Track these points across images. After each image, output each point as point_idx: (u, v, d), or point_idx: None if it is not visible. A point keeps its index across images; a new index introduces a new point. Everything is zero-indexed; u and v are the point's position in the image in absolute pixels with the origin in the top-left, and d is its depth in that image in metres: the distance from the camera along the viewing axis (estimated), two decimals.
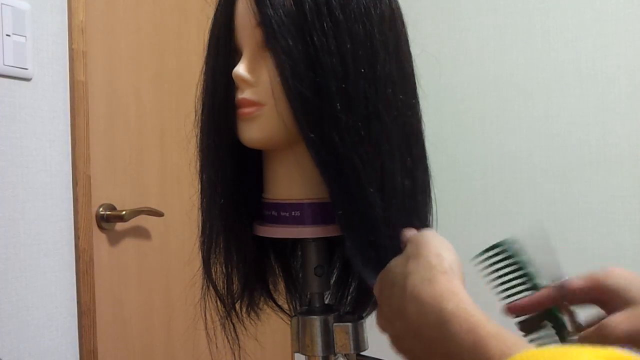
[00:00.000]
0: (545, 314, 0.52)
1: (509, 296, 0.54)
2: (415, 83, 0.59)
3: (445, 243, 0.47)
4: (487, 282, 0.54)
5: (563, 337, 0.52)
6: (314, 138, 0.52)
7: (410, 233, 0.51)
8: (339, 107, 0.52)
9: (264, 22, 0.52)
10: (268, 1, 0.52)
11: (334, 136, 0.52)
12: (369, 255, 0.53)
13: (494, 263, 0.55)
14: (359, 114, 0.52)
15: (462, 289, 0.41)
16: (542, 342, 0.52)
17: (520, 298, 0.53)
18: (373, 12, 0.54)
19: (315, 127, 0.52)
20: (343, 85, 0.52)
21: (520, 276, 0.54)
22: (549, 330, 0.52)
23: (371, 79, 0.53)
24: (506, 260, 0.54)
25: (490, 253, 0.55)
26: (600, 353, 0.29)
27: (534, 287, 0.53)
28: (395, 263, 0.47)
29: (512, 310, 0.53)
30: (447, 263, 0.44)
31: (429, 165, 0.60)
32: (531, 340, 0.52)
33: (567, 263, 0.54)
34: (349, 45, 0.52)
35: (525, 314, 0.53)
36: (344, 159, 0.52)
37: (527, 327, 0.53)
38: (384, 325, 0.46)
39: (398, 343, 0.44)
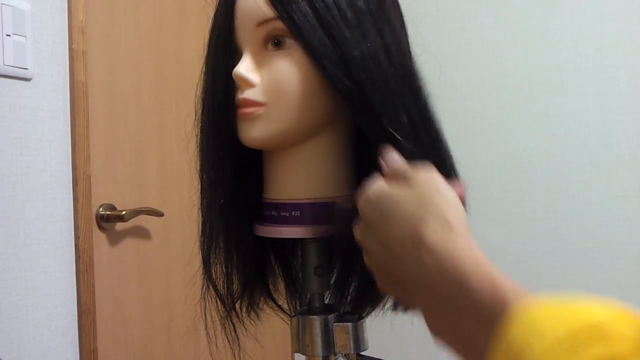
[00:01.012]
0: None
1: None
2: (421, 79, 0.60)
3: (453, 192, 0.45)
4: None
5: None
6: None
7: (404, 165, 0.48)
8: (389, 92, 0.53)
9: (284, 16, 0.52)
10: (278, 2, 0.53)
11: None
12: None
13: None
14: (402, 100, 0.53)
15: (476, 245, 0.40)
16: None
17: None
18: (372, 13, 0.54)
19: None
20: (368, 82, 0.52)
21: None
22: None
23: (377, 78, 0.53)
24: None
25: None
26: (613, 309, 0.31)
27: None
28: (400, 198, 0.45)
29: None
30: (461, 215, 0.43)
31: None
32: None
33: (567, 263, 0.54)
34: (354, 47, 0.52)
35: None
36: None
37: None
38: (382, 265, 0.44)
39: (403, 292, 0.43)
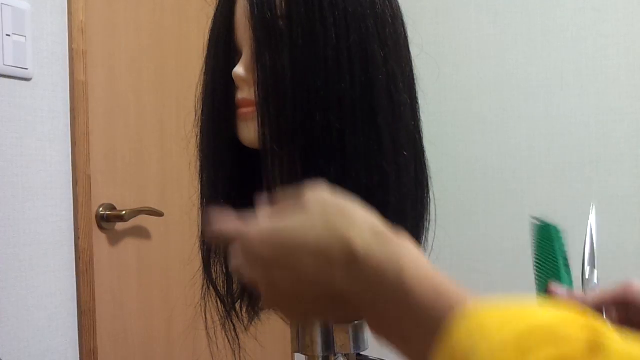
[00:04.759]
0: None
1: (538, 275, 0.55)
2: (414, 82, 0.59)
3: (355, 205, 0.41)
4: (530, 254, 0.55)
5: None
6: (304, 143, 0.52)
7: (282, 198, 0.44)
8: (330, 111, 0.52)
9: (254, 24, 0.52)
10: (259, 3, 0.52)
11: (325, 141, 0.52)
12: None
13: (539, 240, 0.56)
14: (350, 118, 0.52)
15: (414, 247, 0.38)
16: None
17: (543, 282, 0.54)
18: (370, 12, 0.54)
19: (302, 132, 0.52)
20: (336, 90, 0.52)
21: (552, 263, 0.54)
22: None
23: (366, 82, 0.53)
24: (547, 241, 0.55)
25: (540, 229, 0.56)
26: (562, 312, 0.30)
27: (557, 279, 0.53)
28: (301, 224, 0.40)
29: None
30: (380, 223, 0.40)
31: (426, 165, 0.60)
32: None
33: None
34: (344, 49, 0.52)
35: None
36: (329, 166, 0.52)
37: None
38: (295, 302, 0.41)
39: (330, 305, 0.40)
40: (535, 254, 0.56)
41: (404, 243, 0.38)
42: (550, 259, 0.55)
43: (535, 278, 0.55)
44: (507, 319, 0.30)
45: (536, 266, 0.55)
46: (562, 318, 0.30)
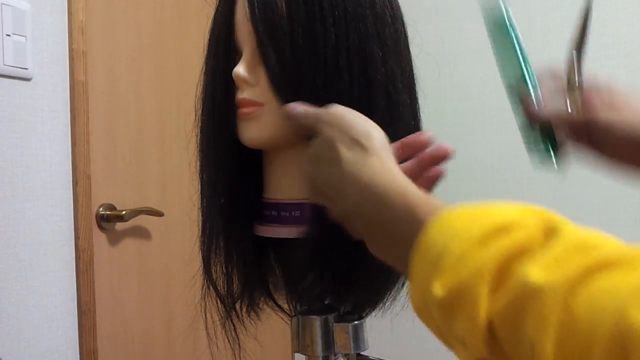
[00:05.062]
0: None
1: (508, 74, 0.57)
2: (414, 82, 0.59)
3: (367, 120, 0.48)
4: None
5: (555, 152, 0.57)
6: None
7: (315, 112, 0.50)
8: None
9: (254, 23, 0.52)
10: (259, 3, 0.52)
11: None
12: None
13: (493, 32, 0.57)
14: None
15: (394, 165, 0.44)
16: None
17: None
18: (370, 12, 0.54)
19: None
20: (335, 90, 0.52)
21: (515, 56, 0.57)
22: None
23: (364, 82, 0.53)
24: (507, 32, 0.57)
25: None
26: (523, 207, 0.35)
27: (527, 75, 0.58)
28: (322, 147, 0.47)
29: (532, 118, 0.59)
30: (377, 142, 0.46)
31: None
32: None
33: None
34: (343, 49, 0.52)
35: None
36: None
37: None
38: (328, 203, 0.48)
39: (342, 221, 0.47)
40: (495, 51, 0.59)
41: (385, 166, 0.44)
42: (510, 53, 0.59)
43: (501, 74, 0.59)
44: (474, 218, 0.34)
45: (500, 65, 0.59)
46: (522, 212, 0.34)
